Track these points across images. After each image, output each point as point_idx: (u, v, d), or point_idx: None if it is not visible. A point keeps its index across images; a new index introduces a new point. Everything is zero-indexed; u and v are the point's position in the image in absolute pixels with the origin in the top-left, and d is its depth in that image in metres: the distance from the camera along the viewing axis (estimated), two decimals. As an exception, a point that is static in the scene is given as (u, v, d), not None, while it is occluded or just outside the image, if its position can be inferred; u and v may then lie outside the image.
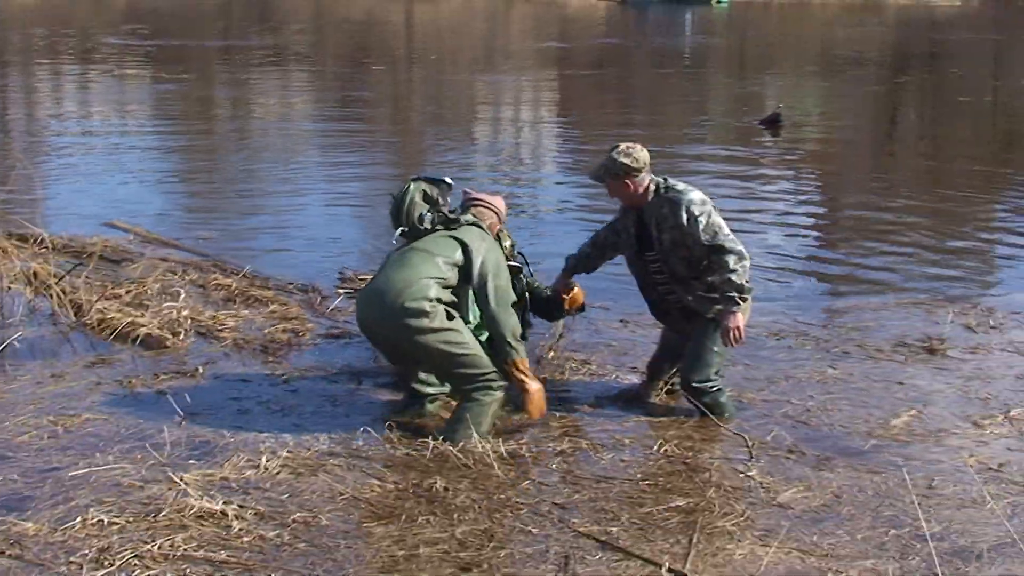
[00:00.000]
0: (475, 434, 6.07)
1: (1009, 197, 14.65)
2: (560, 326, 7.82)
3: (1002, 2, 73.24)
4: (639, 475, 5.94)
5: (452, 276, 6.17)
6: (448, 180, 6.46)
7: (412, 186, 6.33)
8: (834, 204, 14.36)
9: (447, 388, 6.55)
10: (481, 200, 6.76)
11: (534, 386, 6.35)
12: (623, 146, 6.63)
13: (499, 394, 6.21)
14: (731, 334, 6.45)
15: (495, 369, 6.19)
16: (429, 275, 6.07)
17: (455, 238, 6.25)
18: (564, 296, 7.14)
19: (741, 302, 6.43)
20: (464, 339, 6.13)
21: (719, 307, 6.49)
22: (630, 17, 63.43)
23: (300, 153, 17.25)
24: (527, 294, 7.14)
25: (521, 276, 6.99)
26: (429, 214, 6.31)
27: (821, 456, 6.19)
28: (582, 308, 7.35)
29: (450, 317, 6.11)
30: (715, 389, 6.65)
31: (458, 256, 6.20)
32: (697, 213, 6.43)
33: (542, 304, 7.27)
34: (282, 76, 28.18)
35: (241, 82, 26.48)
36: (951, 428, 6.69)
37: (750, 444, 6.19)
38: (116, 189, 13.64)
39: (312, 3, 62.20)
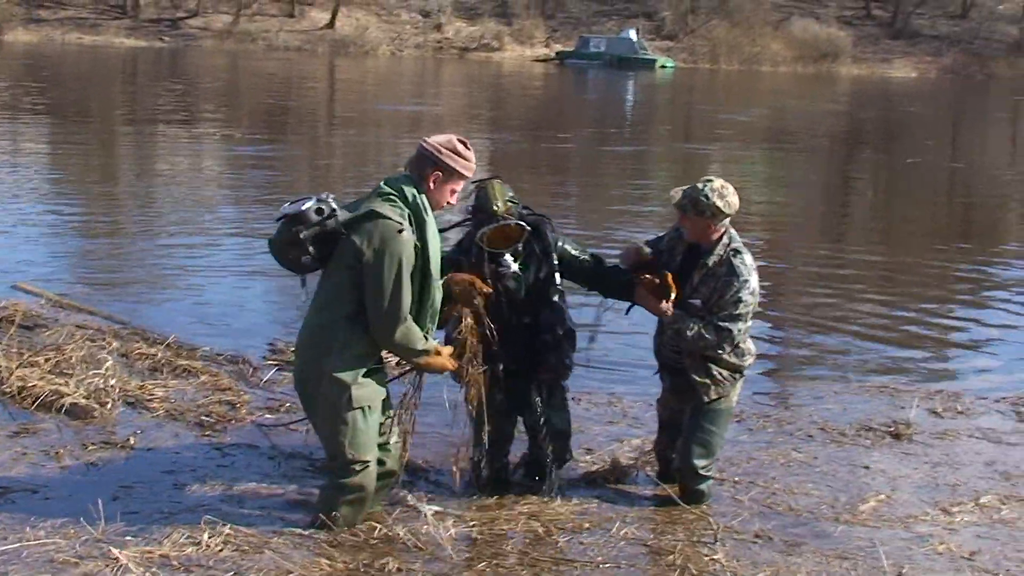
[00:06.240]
0: (323, 518, 6.10)
1: (967, 280, 15.11)
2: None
3: (960, 75, 75.18)
4: (599, 558, 6.13)
5: (356, 299, 5.87)
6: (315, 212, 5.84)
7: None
8: (785, 282, 14.69)
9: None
10: (423, 145, 6.09)
11: (436, 361, 6.12)
12: (718, 184, 6.61)
13: (348, 493, 6.08)
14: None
15: (357, 460, 5.99)
16: (340, 314, 5.87)
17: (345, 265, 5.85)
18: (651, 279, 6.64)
19: (684, 336, 6.59)
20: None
21: (709, 383, 6.74)
22: (569, 79, 64.38)
23: (211, 217, 17.35)
24: (554, 255, 6.74)
25: (543, 233, 6.71)
26: (308, 253, 5.87)
27: (789, 540, 6.44)
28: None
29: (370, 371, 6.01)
30: (711, 476, 6.93)
31: (351, 265, 5.82)
32: (742, 298, 6.57)
33: (591, 276, 6.93)
34: (192, 135, 28.30)
35: (147, 141, 26.58)
36: (920, 514, 6.98)
37: (715, 527, 6.43)
38: (17, 249, 13.72)
39: (228, 59, 62.54)
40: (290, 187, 20.43)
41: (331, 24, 78.81)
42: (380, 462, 6.20)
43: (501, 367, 6.62)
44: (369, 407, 5.97)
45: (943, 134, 40.83)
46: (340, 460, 6.01)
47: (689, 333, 6.53)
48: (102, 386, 8.02)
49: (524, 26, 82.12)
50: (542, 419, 6.85)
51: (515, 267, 6.67)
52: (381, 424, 6.15)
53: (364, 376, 5.95)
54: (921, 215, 22.10)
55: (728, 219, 6.66)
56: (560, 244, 6.81)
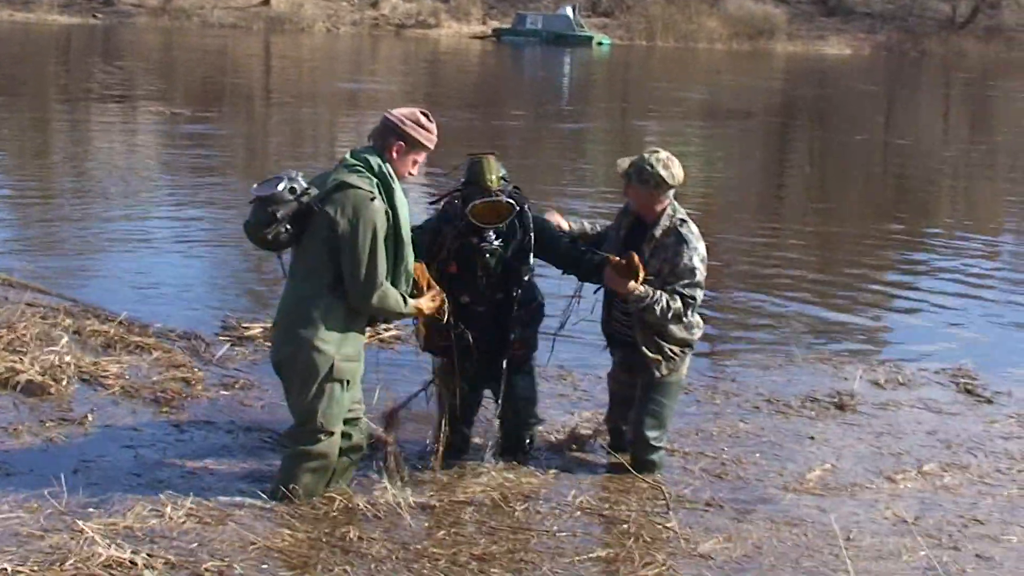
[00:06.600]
0: (283, 489, 6.22)
1: (902, 254, 15.40)
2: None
3: (894, 53, 75.89)
4: (555, 526, 6.30)
5: (334, 270, 5.99)
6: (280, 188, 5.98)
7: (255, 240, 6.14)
8: (727, 256, 14.83)
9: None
10: (387, 117, 6.25)
11: (425, 304, 6.34)
12: (664, 155, 6.75)
13: (311, 460, 6.21)
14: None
15: (325, 430, 6.12)
16: (320, 286, 5.99)
17: (320, 237, 5.97)
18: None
19: (652, 311, 6.65)
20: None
21: (660, 359, 6.86)
22: (506, 56, 64.42)
23: (152, 195, 17.34)
24: (532, 236, 6.85)
25: (526, 213, 6.84)
26: (285, 231, 6.01)
27: (740, 508, 6.65)
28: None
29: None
30: (662, 447, 7.10)
31: (326, 238, 5.96)
32: (696, 266, 6.69)
33: (567, 258, 7.02)
34: (129, 112, 28.18)
35: (84, 119, 26.45)
36: (865, 482, 7.20)
37: (668, 496, 6.60)
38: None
39: (162, 36, 62.04)
40: (229, 165, 20.41)
41: (266, 1, 78.25)
42: (347, 436, 6.31)
43: (471, 338, 6.78)
44: (348, 382, 6.09)
45: (880, 110, 41.24)
46: (309, 427, 6.11)
47: (658, 307, 6.62)
48: (57, 363, 8.06)
49: (460, 3, 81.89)
50: (510, 388, 7.02)
51: (496, 243, 6.83)
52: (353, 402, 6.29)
53: (351, 350, 6.07)
54: (861, 189, 22.42)
55: (672, 191, 6.80)
56: (542, 223, 6.96)
